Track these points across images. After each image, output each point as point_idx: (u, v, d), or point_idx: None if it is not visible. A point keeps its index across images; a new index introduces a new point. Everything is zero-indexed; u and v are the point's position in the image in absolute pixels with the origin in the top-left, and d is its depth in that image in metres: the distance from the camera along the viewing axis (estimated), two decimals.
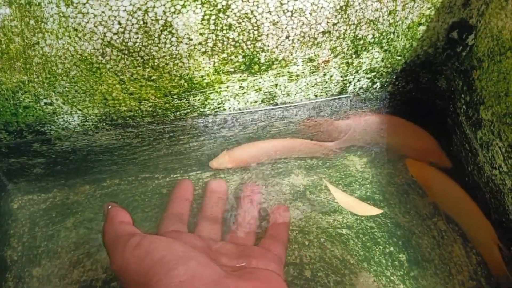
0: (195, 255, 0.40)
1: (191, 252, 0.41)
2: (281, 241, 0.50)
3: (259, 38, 0.46)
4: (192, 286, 0.37)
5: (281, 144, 0.58)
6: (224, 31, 0.44)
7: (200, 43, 0.45)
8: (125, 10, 0.40)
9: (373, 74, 0.53)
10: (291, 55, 0.48)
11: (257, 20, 0.44)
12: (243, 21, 0.44)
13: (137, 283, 0.39)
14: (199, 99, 0.51)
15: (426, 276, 0.51)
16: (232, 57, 0.47)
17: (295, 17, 0.44)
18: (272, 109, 0.55)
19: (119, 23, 0.41)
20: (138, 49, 0.44)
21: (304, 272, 0.51)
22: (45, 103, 0.48)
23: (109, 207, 0.45)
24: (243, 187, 0.56)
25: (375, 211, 0.51)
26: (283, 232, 0.51)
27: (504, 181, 0.48)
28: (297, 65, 0.50)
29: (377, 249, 0.52)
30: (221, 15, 0.43)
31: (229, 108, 0.54)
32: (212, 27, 0.43)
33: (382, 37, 0.49)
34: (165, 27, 0.43)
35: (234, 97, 0.52)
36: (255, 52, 0.47)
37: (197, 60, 0.46)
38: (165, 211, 0.51)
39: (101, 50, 0.44)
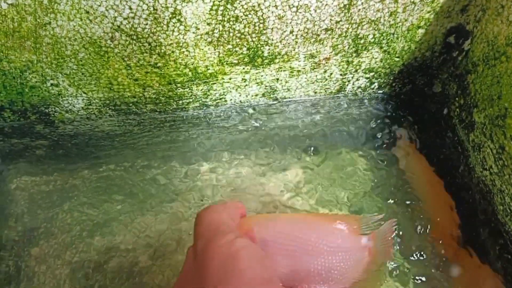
0: None
1: None
2: None
3: (264, 32, 0.47)
4: None
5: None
6: (231, 22, 0.46)
7: (207, 33, 0.46)
8: None
9: (371, 74, 0.55)
10: (294, 50, 0.50)
11: (263, 13, 0.45)
12: (249, 14, 0.45)
13: None
14: (202, 89, 0.53)
15: None
16: (237, 48, 0.48)
17: (300, 12, 0.46)
18: (272, 104, 0.57)
19: (130, 8, 0.43)
20: (147, 35, 0.45)
21: None
22: (51, 84, 0.49)
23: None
24: None
25: None
26: None
27: (494, 182, 0.49)
28: (299, 61, 0.51)
29: None
30: (229, 6, 0.44)
31: (230, 100, 0.55)
32: (220, 17, 0.45)
33: (382, 37, 0.50)
34: (174, 15, 0.44)
35: (236, 89, 0.54)
36: (259, 45, 0.49)
37: (202, 49, 0.48)
38: None
39: (110, 34, 0.45)
